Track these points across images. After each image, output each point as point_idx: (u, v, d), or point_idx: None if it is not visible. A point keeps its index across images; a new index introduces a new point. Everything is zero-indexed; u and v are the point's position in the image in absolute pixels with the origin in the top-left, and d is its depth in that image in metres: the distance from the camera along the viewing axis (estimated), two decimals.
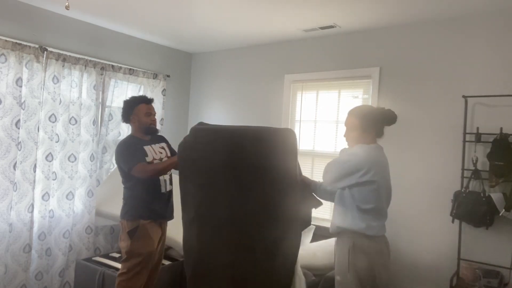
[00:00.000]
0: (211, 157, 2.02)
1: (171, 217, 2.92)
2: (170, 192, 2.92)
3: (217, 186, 2.03)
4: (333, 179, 2.30)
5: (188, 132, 2.11)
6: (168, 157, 2.94)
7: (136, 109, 2.86)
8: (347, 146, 2.42)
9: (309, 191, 2.43)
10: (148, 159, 2.79)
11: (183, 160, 2.14)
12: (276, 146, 2.10)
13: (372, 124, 2.30)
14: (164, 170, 2.76)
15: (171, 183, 2.94)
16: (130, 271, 2.71)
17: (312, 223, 2.60)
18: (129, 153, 2.75)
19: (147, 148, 2.83)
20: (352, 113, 2.37)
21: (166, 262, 3.43)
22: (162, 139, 3.04)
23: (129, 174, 2.73)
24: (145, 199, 2.75)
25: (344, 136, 2.42)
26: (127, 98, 3.02)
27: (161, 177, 2.84)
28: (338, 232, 2.29)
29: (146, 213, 2.74)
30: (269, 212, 2.06)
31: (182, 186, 2.13)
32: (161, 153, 2.90)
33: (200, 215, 2.06)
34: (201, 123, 2.34)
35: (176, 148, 2.32)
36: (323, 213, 3.81)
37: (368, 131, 2.30)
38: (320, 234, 3.65)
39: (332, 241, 3.33)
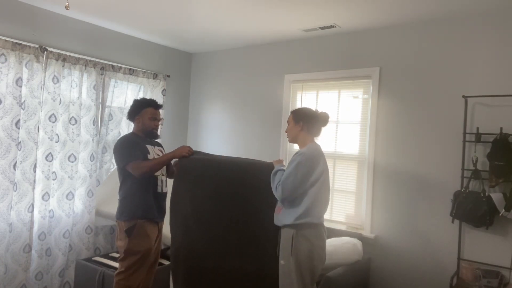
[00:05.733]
0: (202, 185, 2.71)
1: (163, 218, 2.94)
2: (166, 193, 2.94)
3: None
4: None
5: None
6: None
7: (144, 111, 2.90)
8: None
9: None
10: (150, 156, 2.82)
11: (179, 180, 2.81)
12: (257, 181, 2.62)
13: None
14: (157, 166, 2.76)
15: (166, 185, 2.96)
16: (128, 270, 2.71)
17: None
18: (127, 148, 2.77)
19: (148, 146, 2.87)
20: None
21: (166, 262, 3.43)
22: (159, 144, 3.06)
23: (124, 170, 2.75)
24: (142, 198, 2.76)
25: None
26: (138, 98, 3.07)
27: (158, 177, 2.86)
28: (283, 225, 2.48)
29: (142, 213, 2.75)
30: (242, 231, 2.62)
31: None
32: (158, 155, 2.93)
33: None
34: (197, 153, 2.89)
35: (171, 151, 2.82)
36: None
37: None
38: None
39: (331, 240, 3.33)
